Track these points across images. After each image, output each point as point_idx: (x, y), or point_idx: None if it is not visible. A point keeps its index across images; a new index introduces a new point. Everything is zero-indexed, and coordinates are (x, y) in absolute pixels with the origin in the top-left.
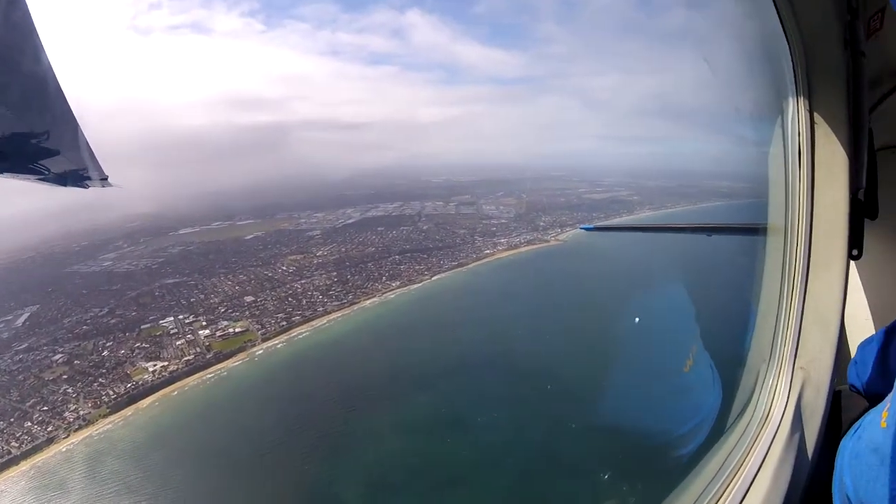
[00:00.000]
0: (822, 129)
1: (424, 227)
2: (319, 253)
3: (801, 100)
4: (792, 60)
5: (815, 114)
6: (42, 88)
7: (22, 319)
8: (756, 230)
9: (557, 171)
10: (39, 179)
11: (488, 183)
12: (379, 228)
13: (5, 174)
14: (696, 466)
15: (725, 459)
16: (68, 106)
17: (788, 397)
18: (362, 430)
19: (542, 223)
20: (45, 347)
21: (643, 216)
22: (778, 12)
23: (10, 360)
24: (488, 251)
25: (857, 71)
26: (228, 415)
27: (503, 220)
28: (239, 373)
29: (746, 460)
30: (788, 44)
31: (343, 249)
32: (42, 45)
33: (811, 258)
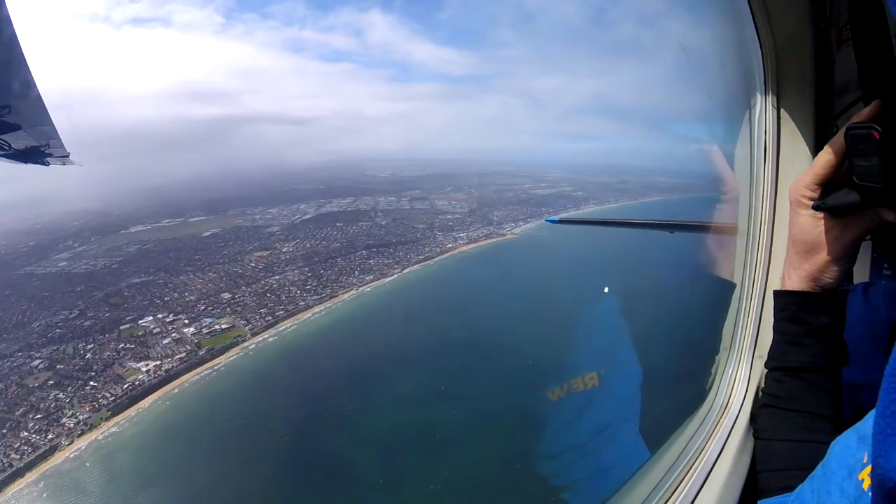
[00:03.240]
0: (788, 128)
1: (383, 223)
2: (285, 249)
3: (770, 98)
4: (763, 62)
5: (783, 112)
6: (4, 60)
7: None
8: (718, 226)
9: (502, 166)
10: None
11: (434, 178)
12: (338, 224)
13: None
14: (654, 454)
15: (684, 448)
16: (33, 80)
17: (748, 387)
18: (363, 406)
19: (495, 218)
20: (19, 353)
21: (591, 210)
22: (752, 16)
23: None
24: (450, 245)
25: (825, 77)
26: (236, 406)
27: (458, 215)
28: (236, 367)
29: (705, 448)
30: (760, 46)
31: (307, 245)
32: (8, 18)
33: (772, 251)
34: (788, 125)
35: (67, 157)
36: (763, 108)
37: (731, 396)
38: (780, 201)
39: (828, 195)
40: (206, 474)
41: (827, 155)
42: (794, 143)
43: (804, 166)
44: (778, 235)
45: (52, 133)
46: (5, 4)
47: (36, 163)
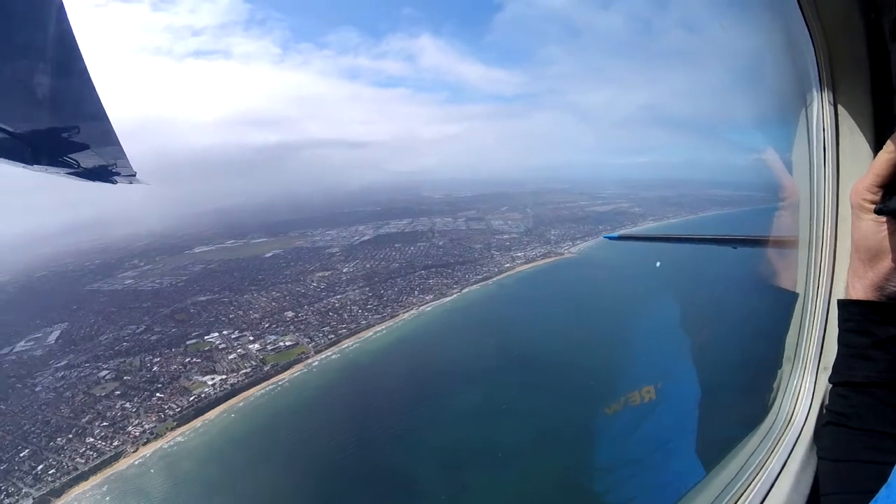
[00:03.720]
0: (847, 126)
1: (440, 243)
2: (345, 269)
3: (826, 94)
4: (816, 57)
5: (840, 108)
6: (75, 85)
7: (53, 337)
8: (780, 237)
9: (557, 184)
10: (69, 173)
11: (489, 197)
12: (396, 245)
13: (36, 166)
14: (710, 471)
15: (743, 465)
16: (100, 103)
17: (812, 401)
18: (424, 422)
19: (552, 236)
20: (86, 364)
21: (649, 226)
22: (801, 9)
23: (51, 377)
24: (508, 265)
25: (882, 69)
26: (299, 420)
27: (514, 235)
28: (300, 382)
29: (766, 466)
30: (812, 41)
31: (367, 265)
32: (77, 45)
33: (836, 259)
34: (847, 122)
35: (134, 175)
36: (819, 105)
37: (795, 411)
38: (843, 205)
39: (890, 197)
40: (270, 486)
41: (887, 154)
42: (854, 141)
43: (866, 166)
44: (841, 242)
45: (120, 153)
46: (69, 24)
47: (104, 181)
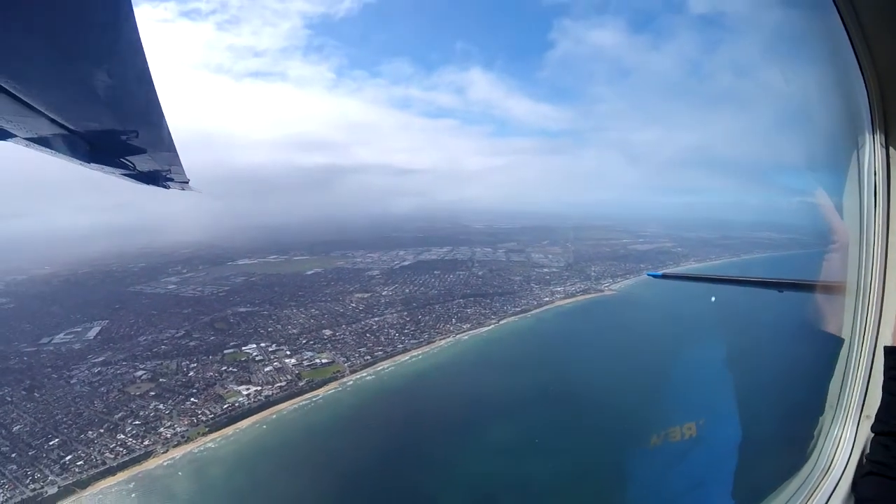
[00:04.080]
0: None
1: (480, 273)
2: (384, 292)
3: (878, 136)
4: (868, 98)
5: (892, 151)
6: (138, 92)
7: (93, 332)
8: (828, 281)
9: (599, 220)
10: (124, 174)
11: (530, 230)
12: (435, 272)
13: (94, 165)
14: None
15: None
16: (161, 111)
17: (853, 448)
18: (456, 451)
19: (592, 273)
20: (123, 362)
21: (691, 267)
22: (853, 48)
23: (87, 371)
24: (547, 299)
25: None
26: (331, 437)
27: (554, 269)
28: (334, 400)
29: None
30: (864, 81)
31: (406, 290)
32: (144, 53)
33: (884, 304)
34: None
35: (187, 183)
36: (871, 148)
37: (834, 459)
38: (893, 250)
39: None
40: (295, 500)
41: None
42: None
43: None
44: (890, 288)
45: (175, 160)
46: (137, 31)
47: (157, 185)
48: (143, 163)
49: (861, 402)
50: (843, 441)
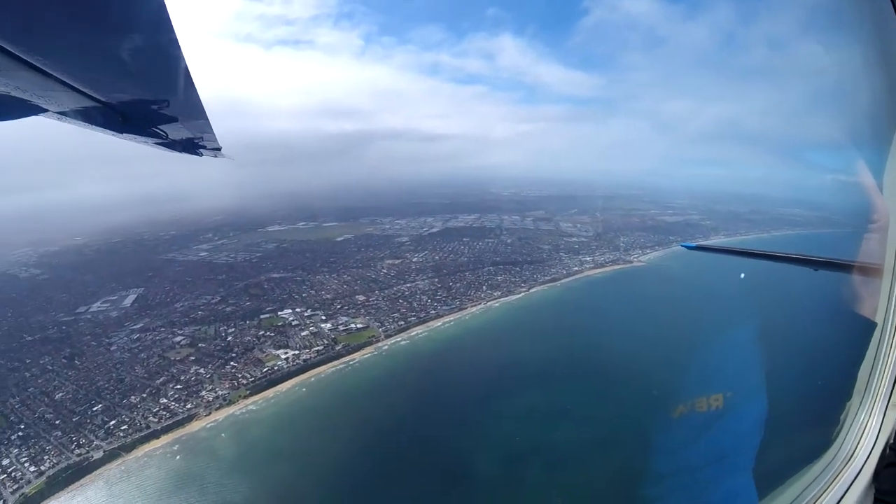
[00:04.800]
0: None
1: (508, 241)
2: (415, 259)
3: None
4: None
5: None
6: (167, 62)
7: (129, 300)
8: (864, 263)
9: (627, 190)
10: (157, 143)
11: (558, 199)
12: (464, 239)
13: (126, 135)
14: (769, 494)
15: (801, 492)
16: (191, 80)
17: (878, 436)
18: (487, 414)
19: (621, 243)
20: (161, 329)
21: (720, 241)
22: None
23: (126, 338)
24: (577, 268)
25: None
26: (367, 399)
27: (583, 239)
28: (370, 364)
29: (822, 498)
30: None
31: (436, 257)
32: (171, 24)
33: None
34: None
35: (219, 149)
36: None
37: (858, 447)
38: None
39: None
40: (334, 457)
41: None
42: None
43: None
44: None
45: (207, 127)
46: (170, 21)
47: (190, 152)
48: (175, 131)
49: (890, 391)
50: (869, 429)
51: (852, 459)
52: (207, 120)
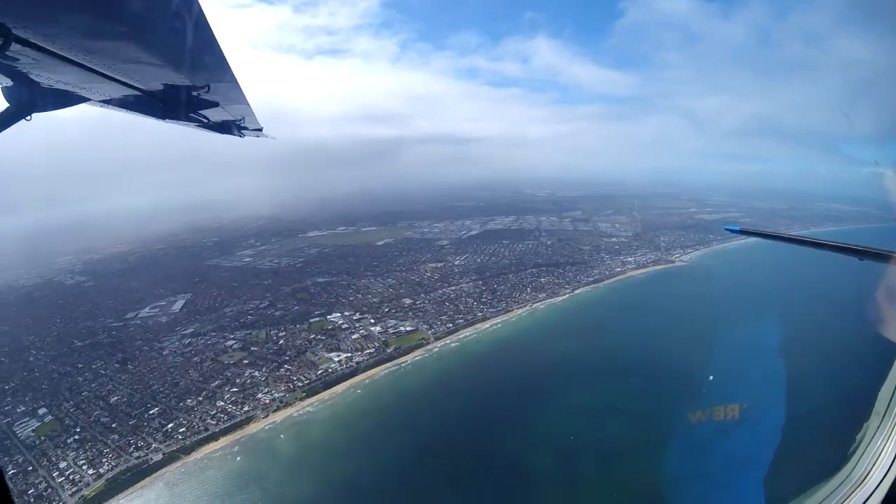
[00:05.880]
0: None
1: (548, 242)
2: (457, 262)
3: None
4: None
5: None
6: (205, 49)
7: (178, 306)
8: None
9: (663, 188)
10: (199, 126)
11: (593, 198)
12: (504, 241)
13: (169, 120)
14: None
15: None
16: (229, 66)
17: (893, 462)
18: (537, 413)
19: (662, 243)
20: (213, 333)
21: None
22: None
23: (178, 343)
24: (619, 269)
25: None
26: (421, 400)
27: (623, 239)
28: (421, 366)
29: None
30: None
31: (478, 260)
32: (203, 11)
33: None
34: None
35: (261, 130)
36: None
37: (872, 471)
38: None
39: None
40: (392, 457)
41: None
42: None
43: None
44: None
45: (248, 110)
46: (202, 10)
47: (232, 134)
48: (216, 115)
49: None
50: (885, 453)
51: (865, 482)
52: (248, 104)
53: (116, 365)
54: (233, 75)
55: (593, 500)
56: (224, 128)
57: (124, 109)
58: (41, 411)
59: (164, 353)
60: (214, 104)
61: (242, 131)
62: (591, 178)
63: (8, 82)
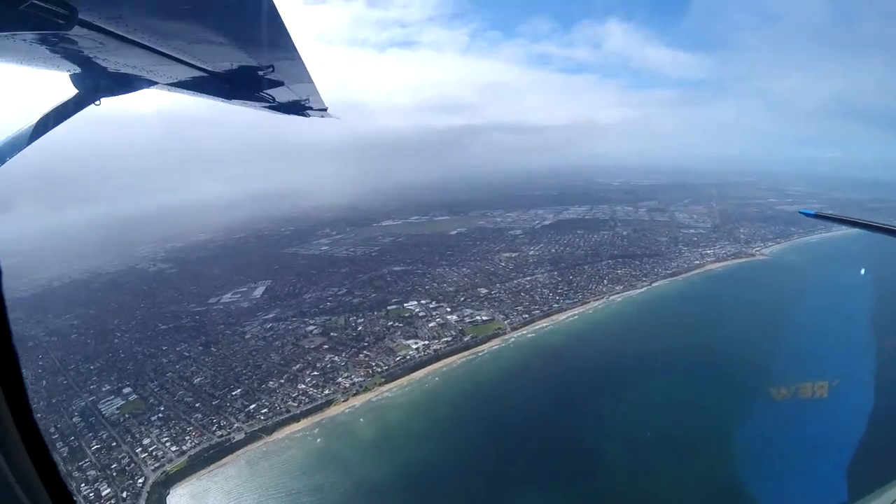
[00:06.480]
0: None
1: (624, 233)
2: (531, 252)
3: None
4: None
5: None
6: (270, 30)
7: (259, 292)
8: None
9: (740, 177)
10: (265, 107)
11: (669, 187)
12: (578, 231)
13: (235, 101)
14: (859, 500)
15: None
16: (294, 46)
17: None
18: (613, 405)
19: (741, 235)
20: (293, 318)
21: (843, 234)
22: None
23: (259, 327)
24: (697, 262)
25: None
26: (498, 388)
27: (701, 230)
28: (498, 355)
29: None
30: None
31: (552, 250)
32: None
33: None
34: None
35: (325, 110)
36: None
37: None
38: None
39: None
40: (467, 442)
41: None
42: None
43: None
44: None
45: (312, 90)
46: None
47: (297, 114)
48: (281, 95)
49: None
50: None
51: None
52: (313, 83)
53: (200, 347)
54: (297, 54)
55: (668, 493)
56: (289, 108)
57: (191, 91)
58: (126, 390)
59: (247, 336)
60: (279, 83)
61: (307, 111)
62: (666, 165)
63: (76, 69)
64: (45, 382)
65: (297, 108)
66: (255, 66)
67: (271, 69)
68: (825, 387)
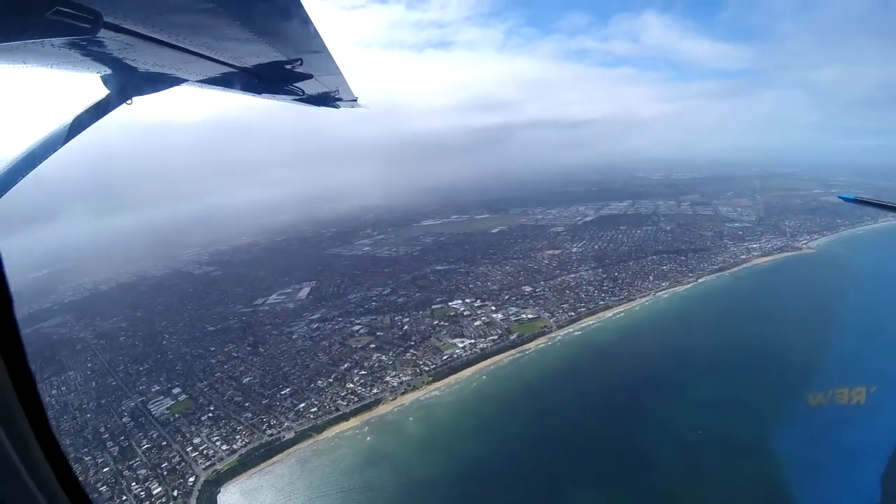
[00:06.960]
0: None
1: (668, 228)
2: (574, 249)
3: None
4: None
5: None
6: (297, 24)
7: (304, 293)
8: None
9: (783, 168)
10: (295, 100)
11: (710, 181)
12: (621, 227)
13: (265, 95)
14: None
15: None
16: (321, 38)
17: None
18: (661, 403)
19: (787, 228)
20: (339, 318)
21: (890, 223)
22: None
23: (306, 328)
24: (743, 256)
25: None
26: (545, 386)
27: (746, 224)
28: (545, 353)
29: None
30: None
31: (596, 246)
32: None
33: None
34: None
35: (355, 100)
36: None
37: None
38: None
39: None
40: (515, 441)
41: None
42: None
43: None
44: None
45: (341, 81)
46: None
47: (327, 106)
48: (311, 87)
49: None
50: None
51: None
52: (342, 75)
53: (248, 348)
54: (325, 46)
55: (715, 492)
56: (319, 100)
57: (222, 87)
58: (175, 391)
59: (294, 336)
60: (308, 76)
61: (337, 102)
62: (707, 158)
63: (106, 70)
64: (94, 384)
65: (327, 99)
66: (283, 59)
67: (299, 62)
68: (862, 393)
